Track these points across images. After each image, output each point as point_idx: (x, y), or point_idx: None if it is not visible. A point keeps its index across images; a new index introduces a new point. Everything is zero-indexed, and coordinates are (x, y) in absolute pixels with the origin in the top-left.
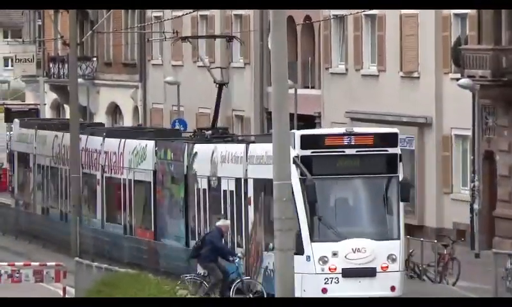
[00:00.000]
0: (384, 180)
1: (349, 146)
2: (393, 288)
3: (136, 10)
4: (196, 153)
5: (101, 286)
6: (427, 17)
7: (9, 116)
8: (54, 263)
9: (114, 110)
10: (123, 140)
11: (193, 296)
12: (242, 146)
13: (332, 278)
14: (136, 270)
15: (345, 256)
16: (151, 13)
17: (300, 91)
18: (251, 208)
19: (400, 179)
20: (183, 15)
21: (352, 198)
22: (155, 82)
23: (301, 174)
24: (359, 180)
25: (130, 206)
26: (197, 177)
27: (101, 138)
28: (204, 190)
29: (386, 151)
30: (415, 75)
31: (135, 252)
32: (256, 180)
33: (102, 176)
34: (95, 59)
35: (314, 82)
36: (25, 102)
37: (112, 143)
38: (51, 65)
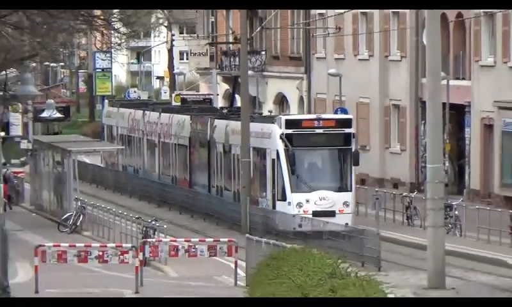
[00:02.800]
0: (341, 151)
1: (318, 127)
2: (346, 224)
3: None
4: (215, 125)
5: (270, 260)
6: None
7: (186, 104)
8: (226, 239)
9: (281, 100)
10: (172, 115)
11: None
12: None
13: (305, 217)
14: (301, 246)
15: (315, 202)
16: (315, 10)
17: (452, 82)
18: (251, 167)
19: (353, 150)
20: (344, 12)
21: (319, 163)
22: (319, 74)
23: (285, 146)
24: (324, 150)
25: (175, 162)
26: (216, 143)
27: (158, 113)
28: (220, 153)
29: (343, 131)
30: None
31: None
32: (254, 148)
33: (159, 141)
34: (263, 52)
35: (465, 74)
36: (200, 93)
37: (165, 117)
38: (223, 58)
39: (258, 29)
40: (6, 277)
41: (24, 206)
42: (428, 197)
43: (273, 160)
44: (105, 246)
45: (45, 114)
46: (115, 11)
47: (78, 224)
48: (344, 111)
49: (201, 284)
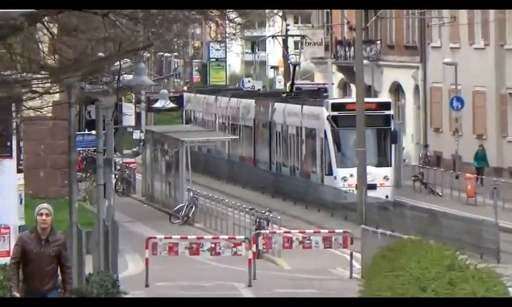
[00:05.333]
0: (382, 131)
1: None
2: (387, 196)
3: None
4: (275, 108)
5: (386, 252)
6: None
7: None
8: (341, 230)
9: (397, 89)
10: (240, 99)
11: None
12: (299, 106)
13: (350, 190)
14: (418, 237)
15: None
16: None
17: None
18: (303, 145)
19: (392, 130)
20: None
21: None
22: (434, 63)
23: (331, 126)
24: (366, 130)
25: (242, 142)
26: (276, 124)
27: (228, 98)
28: (279, 132)
29: (383, 113)
30: None
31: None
32: (306, 128)
33: (229, 123)
34: (378, 42)
35: None
36: (315, 82)
37: (234, 101)
38: (338, 48)
39: (373, 18)
40: (115, 270)
41: (135, 197)
42: None
43: (321, 138)
44: (218, 238)
45: (158, 105)
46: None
47: (190, 215)
48: (460, 100)
49: (315, 277)
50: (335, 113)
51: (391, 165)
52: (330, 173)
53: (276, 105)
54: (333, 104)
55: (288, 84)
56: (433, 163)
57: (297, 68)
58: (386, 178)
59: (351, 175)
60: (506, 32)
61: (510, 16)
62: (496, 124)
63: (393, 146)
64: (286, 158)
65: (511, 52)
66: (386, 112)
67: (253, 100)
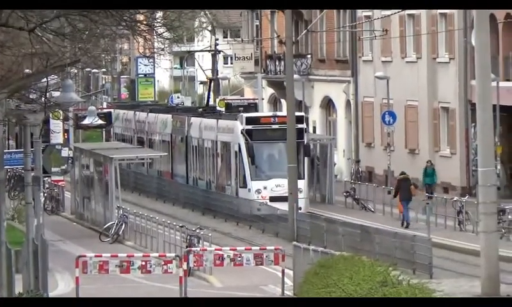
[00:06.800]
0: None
1: (274, 123)
2: (300, 208)
3: (347, 10)
4: (191, 123)
5: (318, 268)
6: None
7: (230, 110)
8: (273, 247)
9: (328, 104)
10: (157, 114)
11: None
12: (214, 120)
13: (263, 202)
14: (350, 253)
15: (271, 189)
16: (361, 13)
17: (502, 84)
18: (219, 158)
19: (305, 143)
20: (391, 14)
21: (276, 154)
22: (366, 77)
23: (246, 140)
24: (280, 143)
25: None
26: (192, 138)
27: (146, 113)
28: (195, 146)
29: (296, 126)
30: None
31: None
32: (221, 142)
33: (147, 138)
34: (309, 56)
35: None
36: (245, 97)
37: (152, 116)
38: (268, 62)
39: (304, 32)
40: (46, 289)
41: (64, 215)
42: (480, 201)
43: (236, 152)
44: (148, 256)
45: (86, 121)
46: (158, 15)
47: (120, 233)
48: (392, 115)
49: (247, 295)
50: (249, 127)
51: (304, 178)
52: (245, 186)
53: (193, 119)
54: (247, 118)
55: (218, 99)
56: (365, 178)
57: (226, 82)
58: (299, 190)
59: (265, 188)
60: (438, 45)
61: (442, 29)
62: (428, 138)
63: (305, 159)
64: (202, 171)
65: (443, 66)
66: (299, 126)
67: (170, 115)
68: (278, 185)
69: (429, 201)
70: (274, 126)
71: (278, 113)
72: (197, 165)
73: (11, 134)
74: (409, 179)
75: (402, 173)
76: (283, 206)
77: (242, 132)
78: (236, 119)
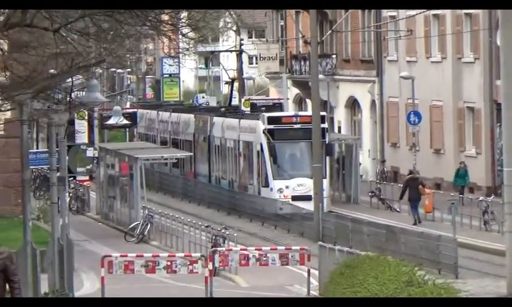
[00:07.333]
0: None
1: (296, 123)
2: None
3: (372, 10)
4: (214, 122)
5: (344, 268)
6: None
7: (255, 110)
8: (298, 247)
9: (353, 104)
10: (179, 114)
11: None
12: (237, 120)
13: (285, 202)
14: (376, 253)
15: (293, 188)
16: (386, 13)
17: None
18: (241, 158)
19: (327, 142)
20: (416, 14)
21: (298, 154)
22: (391, 77)
23: (268, 139)
24: (301, 143)
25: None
26: (214, 138)
27: (168, 113)
28: (217, 146)
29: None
30: None
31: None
32: (243, 141)
33: (170, 137)
34: (334, 56)
35: None
36: (270, 97)
37: (174, 116)
38: (293, 62)
39: (329, 32)
40: (71, 289)
41: (89, 215)
42: (505, 201)
43: (258, 151)
44: (174, 256)
45: (111, 121)
46: (183, 15)
47: (145, 233)
48: (417, 115)
49: (272, 295)
50: (271, 126)
51: (326, 177)
52: (267, 185)
53: (215, 119)
54: (269, 118)
55: (243, 99)
56: (390, 178)
57: (251, 82)
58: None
59: (287, 187)
60: (463, 45)
61: (467, 29)
62: (453, 138)
63: (327, 158)
64: (224, 171)
65: (468, 65)
66: (321, 125)
67: (193, 115)
68: (300, 185)
69: (454, 200)
70: (295, 126)
71: (300, 113)
72: (219, 165)
73: (43, 135)
74: (418, 178)
75: (411, 172)
76: (305, 206)
77: (264, 132)
78: (258, 119)
